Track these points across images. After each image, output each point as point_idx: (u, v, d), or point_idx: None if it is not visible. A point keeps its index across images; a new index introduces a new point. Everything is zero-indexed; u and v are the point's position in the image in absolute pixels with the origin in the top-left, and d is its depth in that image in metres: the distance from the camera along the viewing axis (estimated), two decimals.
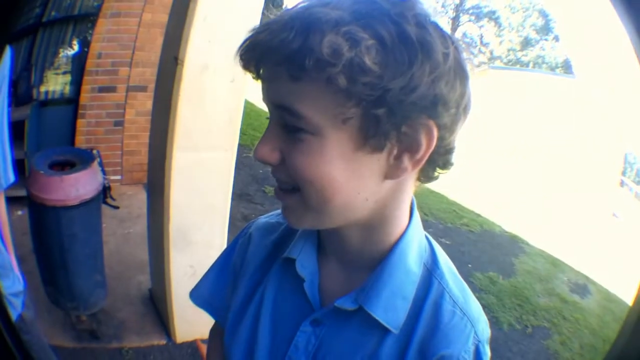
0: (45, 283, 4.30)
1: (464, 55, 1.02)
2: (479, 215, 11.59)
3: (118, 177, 7.37)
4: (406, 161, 1.02)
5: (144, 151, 6.93)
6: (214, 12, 3.80)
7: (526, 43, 46.09)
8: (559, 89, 24.75)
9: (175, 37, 3.95)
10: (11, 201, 3.05)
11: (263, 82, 1.07)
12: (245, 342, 1.30)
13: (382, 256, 1.17)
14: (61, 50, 7.18)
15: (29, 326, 2.43)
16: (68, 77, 7.19)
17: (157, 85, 4.64)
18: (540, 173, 19.29)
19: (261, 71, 1.06)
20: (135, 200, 6.96)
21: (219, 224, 4.48)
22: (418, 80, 0.93)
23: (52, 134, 6.92)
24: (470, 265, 8.63)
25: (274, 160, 1.07)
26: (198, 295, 1.50)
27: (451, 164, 1.13)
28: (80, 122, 7.05)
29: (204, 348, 4.36)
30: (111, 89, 7.14)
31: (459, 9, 47.48)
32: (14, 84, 6.27)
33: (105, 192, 4.41)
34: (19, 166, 2.70)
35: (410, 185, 1.13)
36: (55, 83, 7.17)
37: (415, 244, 1.19)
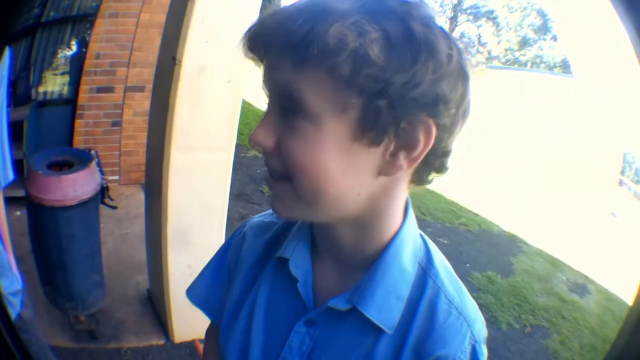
0: (43, 283, 4.30)
1: (466, 59, 1.03)
2: (477, 215, 11.59)
3: (116, 178, 7.38)
4: (402, 158, 1.02)
5: (141, 151, 6.92)
6: (212, 12, 3.80)
7: (524, 43, 46.11)
8: (557, 88, 24.79)
9: (173, 38, 3.95)
10: (10, 201, 3.06)
11: (265, 68, 1.07)
12: (239, 342, 1.30)
13: (376, 255, 1.16)
14: (60, 50, 7.18)
15: (27, 325, 2.43)
16: (66, 78, 7.20)
17: (155, 86, 4.64)
18: (539, 172, 19.29)
19: (263, 56, 1.06)
20: (133, 200, 6.97)
21: (217, 224, 4.48)
22: (420, 77, 0.94)
23: (50, 135, 6.92)
24: (468, 265, 8.63)
25: (269, 146, 1.06)
26: (194, 294, 1.50)
27: (446, 168, 1.13)
28: (79, 123, 7.06)
29: (202, 348, 4.37)
30: (109, 90, 7.14)
31: (456, 8, 47.47)
32: (12, 84, 6.27)
33: (103, 192, 4.39)
34: (17, 166, 2.70)
35: (404, 185, 1.12)
36: (54, 83, 7.17)
37: (409, 243, 1.18)
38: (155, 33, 6.66)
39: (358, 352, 1.16)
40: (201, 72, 3.91)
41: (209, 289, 1.48)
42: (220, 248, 1.51)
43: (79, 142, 7.06)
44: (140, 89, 7.22)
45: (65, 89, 7.16)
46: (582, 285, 9.62)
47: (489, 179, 15.43)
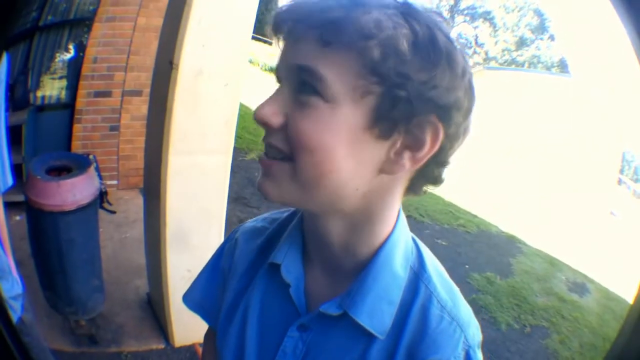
0: (43, 287, 4.31)
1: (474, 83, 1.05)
2: (475, 216, 11.60)
3: (114, 182, 7.37)
4: (406, 158, 1.03)
5: (139, 156, 6.93)
6: (209, 16, 3.81)
7: (521, 43, 46.19)
8: (555, 88, 24.78)
9: (170, 42, 3.96)
10: (9, 206, 3.07)
11: (287, 45, 1.07)
12: (234, 346, 1.31)
13: (367, 259, 1.16)
14: (57, 54, 7.18)
15: (28, 329, 2.45)
16: (64, 82, 7.19)
17: (153, 90, 4.65)
18: (537, 173, 19.31)
19: (289, 33, 1.06)
20: (132, 204, 6.97)
21: (216, 227, 4.48)
22: (438, 81, 0.97)
23: (48, 139, 6.92)
24: (467, 266, 8.64)
25: (276, 123, 1.05)
26: (191, 299, 1.50)
27: (441, 181, 1.14)
28: (77, 127, 7.05)
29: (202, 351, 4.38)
30: (107, 94, 7.14)
31: (453, 9, 47.55)
32: (11, 89, 6.28)
33: (102, 197, 4.40)
34: (16, 171, 2.71)
35: (400, 190, 1.13)
36: (52, 88, 7.17)
37: (401, 247, 1.18)
38: (152, 37, 6.67)
39: (350, 357, 1.16)
40: (198, 76, 3.91)
41: (205, 293, 1.48)
42: (215, 253, 1.52)
43: (77, 146, 7.05)
44: (138, 93, 7.22)
45: (63, 93, 7.15)
46: (581, 285, 9.63)
47: (487, 180, 15.45)
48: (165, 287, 4.41)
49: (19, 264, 2.60)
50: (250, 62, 23.82)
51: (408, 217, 1.23)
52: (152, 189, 4.39)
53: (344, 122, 1.00)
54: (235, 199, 8.16)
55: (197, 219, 4.37)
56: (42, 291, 4.32)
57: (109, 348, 4.63)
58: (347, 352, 1.16)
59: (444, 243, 9.48)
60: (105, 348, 4.62)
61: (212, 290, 1.46)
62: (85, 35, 7.01)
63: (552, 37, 46.39)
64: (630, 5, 0.84)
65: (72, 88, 7.02)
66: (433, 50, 0.97)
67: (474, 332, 1.18)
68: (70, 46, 7.23)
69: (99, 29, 6.89)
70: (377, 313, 1.13)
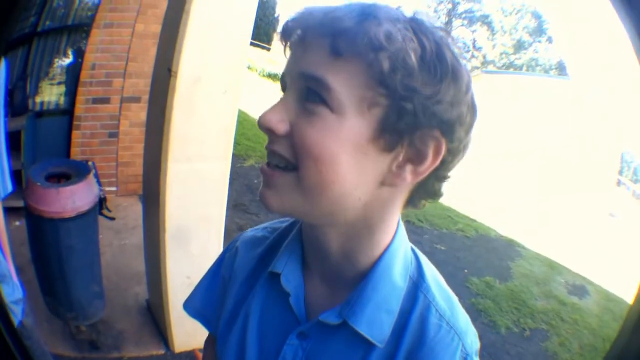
0: (44, 293, 4.32)
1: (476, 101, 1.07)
2: (474, 220, 11.60)
3: (113, 189, 7.37)
4: (408, 171, 1.04)
5: (138, 162, 6.92)
6: (207, 24, 3.82)
7: (519, 46, 46.12)
8: (553, 91, 24.74)
9: (168, 49, 3.97)
10: (9, 212, 3.08)
11: (295, 53, 1.08)
12: (234, 354, 1.31)
13: (367, 269, 1.16)
14: (56, 60, 7.17)
15: (29, 333, 2.46)
16: (62, 88, 7.18)
17: (151, 97, 4.65)
18: (536, 176, 19.29)
19: (298, 41, 1.07)
20: (131, 211, 6.97)
21: (215, 234, 4.49)
22: (443, 95, 0.99)
23: (48, 145, 6.92)
24: (466, 271, 8.64)
25: (281, 131, 1.04)
26: (191, 306, 1.51)
27: (440, 195, 1.16)
28: (75, 134, 7.06)
29: (201, 358, 4.39)
30: (105, 100, 7.14)
31: (451, 13, 47.49)
32: (10, 94, 6.28)
33: (101, 203, 4.40)
34: (15, 177, 2.72)
35: (400, 203, 1.14)
36: (50, 94, 7.16)
37: (400, 257, 1.18)
38: (150, 43, 6.68)
39: None
40: (197, 83, 3.92)
41: (205, 301, 1.49)
42: (215, 261, 1.52)
43: (76, 153, 7.05)
44: (136, 99, 7.22)
45: (62, 100, 7.15)
46: (581, 287, 9.63)
47: (485, 184, 15.44)
48: (164, 293, 4.41)
49: (19, 269, 2.61)
50: (249, 68, 23.81)
51: (406, 222, 1.23)
52: (151, 196, 4.40)
53: (349, 133, 1.00)
54: (234, 205, 8.15)
55: (196, 226, 4.38)
56: (43, 296, 4.33)
57: (110, 353, 4.64)
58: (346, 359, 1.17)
59: (442, 248, 9.48)
60: (105, 353, 4.63)
61: (212, 298, 1.46)
62: (84, 41, 7.00)
63: (550, 40, 46.39)
64: (630, 5, 0.84)
65: (71, 94, 7.02)
66: (440, 66, 0.98)
67: (472, 340, 1.18)
68: (69, 52, 7.23)
69: (97, 35, 6.90)
70: (376, 322, 1.13)
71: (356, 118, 1.00)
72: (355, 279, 1.18)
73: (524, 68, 44.65)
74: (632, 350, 0.93)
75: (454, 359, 1.14)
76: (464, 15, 47.77)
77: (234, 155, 4.43)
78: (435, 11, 47.77)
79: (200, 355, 4.60)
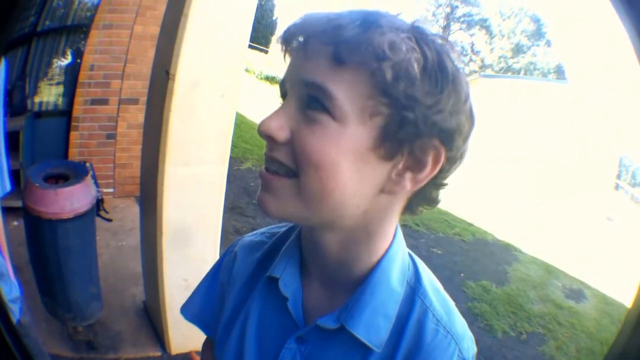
0: (42, 293, 4.32)
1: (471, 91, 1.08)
2: (471, 225, 11.61)
3: (111, 190, 7.36)
4: (407, 179, 1.05)
5: (135, 164, 6.92)
6: (205, 26, 3.82)
7: (517, 50, 46.17)
8: (551, 95, 24.77)
9: (166, 52, 3.97)
10: (7, 211, 3.08)
11: (296, 59, 1.08)
12: (233, 358, 1.32)
13: (365, 274, 1.17)
14: (55, 60, 7.17)
15: (27, 331, 2.46)
16: (61, 88, 7.18)
17: (149, 100, 4.66)
18: (534, 180, 19.31)
19: (300, 47, 1.07)
20: (128, 213, 6.97)
21: (212, 237, 4.49)
22: (443, 105, 1.00)
23: (46, 146, 6.92)
24: (462, 275, 8.64)
25: (282, 138, 1.05)
26: (189, 311, 1.51)
27: (438, 202, 1.17)
28: (74, 135, 7.05)
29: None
30: (103, 102, 7.13)
31: (449, 17, 47.52)
32: (9, 94, 6.28)
33: (98, 205, 4.40)
34: (14, 177, 2.72)
35: (398, 210, 1.15)
36: (49, 94, 7.15)
37: (398, 263, 1.19)
38: (149, 45, 6.68)
39: None
40: (195, 87, 3.93)
41: (203, 304, 1.49)
42: (213, 266, 1.53)
43: (74, 154, 7.05)
44: (134, 101, 7.21)
45: (60, 100, 7.14)
46: (578, 291, 9.65)
47: (483, 188, 15.45)
48: (161, 295, 4.41)
49: (17, 269, 2.62)
50: (247, 70, 23.79)
51: (403, 226, 1.24)
52: (149, 199, 4.40)
53: (350, 141, 1.01)
54: (231, 208, 8.14)
55: (193, 229, 4.38)
56: (41, 297, 4.33)
57: (107, 354, 4.64)
58: None
59: (439, 252, 9.48)
60: (102, 354, 4.63)
61: (210, 302, 1.47)
62: (83, 42, 7.00)
63: (548, 43, 46.44)
64: (630, 5, 0.84)
65: (69, 95, 7.02)
66: (441, 75, 0.99)
67: (469, 344, 1.19)
68: (68, 52, 7.22)
69: (95, 36, 6.90)
70: (373, 327, 1.13)
71: (358, 126, 1.00)
72: (353, 284, 1.18)
73: (522, 72, 44.69)
74: (631, 353, 0.93)
75: None
76: (462, 19, 47.80)
77: (231, 158, 4.43)
78: (434, 15, 47.83)
79: (197, 357, 4.60)
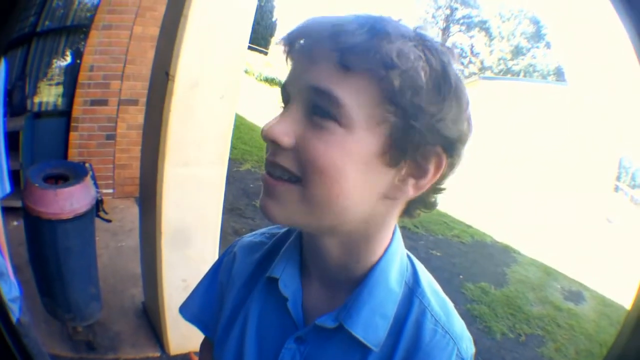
0: (41, 293, 4.33)
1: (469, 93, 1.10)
2: (470, 227, 11.61)
3: (110, 191, 7.36)
4: (409, 185, 1.06)
5: (135, 165, 6.93)
6: (205, 28, 3.82)
7: (517, 52, 46.16)
8: (551, 97, 24.77)
9: (166, 53, 3.98)
10: (7, 211, 3.09)
11: (301, 63, 1.07)
12: (232, 358, 1.32)
13: (364, 275, 1.18)
14: (54, 60, 7.17)
15: (26, 331, 2.47)
16: (60, 89, 7.17)
17: (148, 101, 4.67)
18: (533, 182, 19.31)
19: (304, 52, 1.07)
20: (128, 213, 6.97)
21: (211, 238, 4.50)
22: (445, 113, 1.01)
23: (46, 146, 6.92)
24: (461, 277, 8.64)
25: (287, 143, 1.04)
26: (188, 311, 1.51)
27: (436, 206, 1.18)
28: (73, 135, 7.05)
29: None
30: (103, 102, 7.13)
31: (449, 19, 47.52)
32: (9, 94, 6.29)
33: (98, 205, 4.40)
34: (14, 177, 2.73)
35: (398, 212, 1.16)
36: (49, 94, 7.15)
37: (396, 263, 1.20)
38: (148, 46, 6.68)
39: None
40: (194, 88, 3.93)
41: (202, 304, 1.49)
42: (212, 266, 1.53)
43: (73, 154, 7.05)
44: (134, 102, 7.21)
45: (60, 101, 7.14)
46: (577, 293, 9.65)
47: (481, 190, 15.45)
48: (160, 296, 4.42)
49: (17, 269, 2.63)
50: (246, 72, 23.78)
51: (402, 228, 1.25)
52: (148, 200, 4.41)
53: (357, 148, 1.01)
54: (230, 209, 8.13)
55: (193, 230, 4.39)
56: (40, 297, 4.34)
57: (106, 355, 4.65)
58: None
59: (438, 254, 9.49)
60: (102, 355, 4.63)
61: (210, 302, 1.47)
62: (82, 42, 6.99)
63: (548, 45, 46.43)
64: (630, 5, 0.85)
65: (69, 96, 7.01)
66: (444, 84, 1.00)
67: (467, 345, 1.19)
68: (67, 53, 7.22)
69: (95, 36, 6.90)
70: (371, 326, 1.14)
71: (364, 133, 1.01)
72: (352, 284, 1.19)
73: (522, 74, 44.69)
74: (630, 355, 0.93)
75: None
76: (461, 21, 47.80)
77: (230, 159, 4.44)
78: (433, 17, 47.83)
79: (195, 358, 4.61)
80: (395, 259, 1.20)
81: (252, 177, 9.88)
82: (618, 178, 25.18)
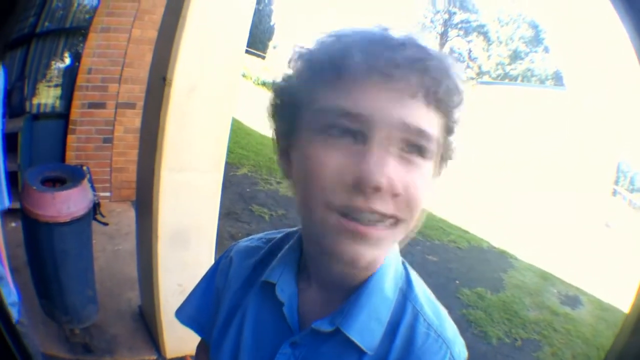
0: (39, 295, 4.35)
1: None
2: (466, 232, 11.62)
3: (107, 194, 7.34)
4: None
5: (132, 168, 6.92)
6: (203, 32, 3.83)
7: (515, 56, 46.21)
8: (549, 101, 24.82)
9: (163, 57, 3.98)
10: (5, 213, 3.09)
11: (383, 95, 0.99)
12: None
13: (360, 282, 1.19)
14: (53, 62, 7.18)
15: (26, 332, 2.48)
16: (59, 91, 7.18)
17: (145, 105, 4.67)
18: (531, 186, 19.33)
19: (379, 80, 0.99)
20: (124, 217, 6.97)
21: (207, 242, 4.50)
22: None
23: (43, 148, 6.91)
24: (457, 282, 8.64)
25: (399, 189, 1.00)
26: (184, 314, 1.52)
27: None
28: (71, 138, 7.04)
29: None
30: (101, 105, 7.13)
31: (447, 23, 47.55)
32: (8, 95, 6.29)
33: (95, 208, 4.41)
34: (12, 178, 2.74)
35: None
36: (47, 96, 7.15)
37: (392, 271, 1.22)
38: (147, 49, 6.68)
39: None
40: (191, 93, 3.94)
41: (199, 308, 1.50)
42: (209, 270, 1.54)
43: (71, 157, 7.05)
44: (132, 105, 7.21)
45: (58, 103, 7.14)
46: (574, 298, 9.66)
47: (479, 195, 15.47)
48: (157, 300, 4.42)
49: (15, 271, 2.63)
50: (244, 76, 23.78)
51: None
52: (144, 203, 4.42)
53: (430, 174, 1.06)
54: (227, 214, 8.13)
55: (189, 234, 4.39)
56: (38, 299, 4.36)
57: (103, 357, 4.65)
58: None
59: (434, 259, 9.49)
60: (99, 357, 4.64)
61: (206, 305, 1.48)
62: (81, 45, 7.00)
63: (546, 49, 46.50)
64: (630, 5, 0.85)
65: (67, 98, 7.01)
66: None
67: (460, 349, 1.20)
68: (66, 54, 7.23)
69: (93, 39, 6.89)
70: (367, 330, 1.16)
71: (434, 160, 1.06)
72: (349, 291, 1.21)
73: (519, 78, 44.75)
74: (628, 358, 0.95)
75: None
76: (460, 26, 47.84)
77: (227, 163, 4.45)
78: (432, 21, 47.89)
79: None
80: (390, 268, 1.22)
81: (249, 182, 9.87)
82: (616, 182, 25.25)
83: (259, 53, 31.69)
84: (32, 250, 4.21)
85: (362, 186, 0.98)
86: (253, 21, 4.05)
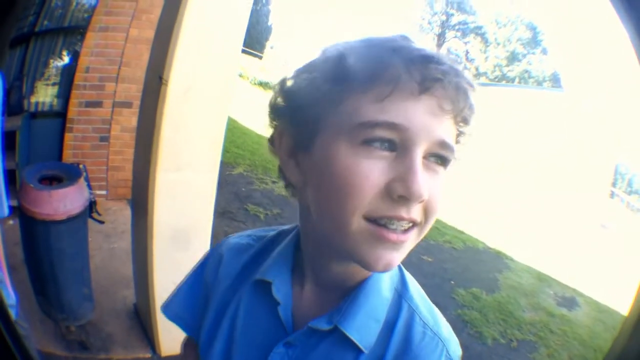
0: (36, 293, 4.37)
1: None
2: (462, 232, 11.61)
3: (103, 192, 7.35)
4: None
5: (128, 167, 6.93)
6: (199, 32, 3.84)
7: (512, 58, 46.11)
8: (546, 103, 24.83)
9: (160, 57, 3.99)
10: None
11: (430, 111, 1.00)
12: None
13: (358, 282, 1.21)
14: (51, 61, 7.18)
15: (24, 332, 2.49)
16: (57, 89, 7.19)
17: (142, 105, 4.68)
18: (528, 187, 19.32)
19: (441, 101, 1.01)
20: (120, 215, 6.97)
21: (202, 241, 4.49)
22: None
23: (41, 146, 6.93)
24: (453, 282, 8.63)
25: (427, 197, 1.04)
26: (170, 310, 1.51)
27: None
28: (68, 136, 7.05)
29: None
30: (98, 104, 7.14)
31: (444, 25, 47.48)
32: (7, 93, 6.30)
33: (91, 207, 4.43)
34: (10, 176, 2.75)
35: None
36: (45, 95, 7.16)
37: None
38: (144, 49, 6.68)
39: None
40: (187, 92, 3.94)
41: (185, 304, 1.50)
42: (196, 266, 1.52)
43: (68, 155, 7.05)
44: (128, 104, 7.22)
45: (56, 101, 7.16)
46: (570, 299, 9.64)
47: (475, 196, 15.44)
48: (152, 298, 4.43)
49: (13, 269, 2.64)
50: (240, 75, 23.77)
51: None
52: (140, 202, 4.42)
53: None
54: (222, 213, 8.11)
55: (184, 233, 4.39)
56: (35, 296, 4.38)
57: (98, 355, 4.66)
58: None
59: (429, 259, 9.47)
60: (94, 355, 4.65)
61: (193, 302, 1.47)
62: (79, 44, 7.01)
63: (544, 51, 46.44)
64: (630, 5, 0.86)
65: (64, 97, 7.02)
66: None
67: (455, 347, 1.22)
68: (64, 53, 7.24)
69: (91, 38, 6.90)
70: (364, 329, 1.17)
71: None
72: (346, 291, 1.22)
73: (517, 80, 44.69)
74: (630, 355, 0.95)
75: None
76: (457, 27, 47.77)
77: (222, 163, 4.45)
78: (429, 23, 47.89)
79: None
80: None
81: (244, 181, 9.86)
82: (614, 184, 25.27)
83: (256, 53, 31.63)
84: (29, 248, 4.23)
85: (407, 199, 1.00)
86: (250, 21, 4.06)
